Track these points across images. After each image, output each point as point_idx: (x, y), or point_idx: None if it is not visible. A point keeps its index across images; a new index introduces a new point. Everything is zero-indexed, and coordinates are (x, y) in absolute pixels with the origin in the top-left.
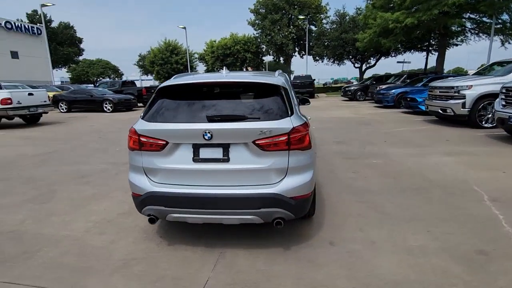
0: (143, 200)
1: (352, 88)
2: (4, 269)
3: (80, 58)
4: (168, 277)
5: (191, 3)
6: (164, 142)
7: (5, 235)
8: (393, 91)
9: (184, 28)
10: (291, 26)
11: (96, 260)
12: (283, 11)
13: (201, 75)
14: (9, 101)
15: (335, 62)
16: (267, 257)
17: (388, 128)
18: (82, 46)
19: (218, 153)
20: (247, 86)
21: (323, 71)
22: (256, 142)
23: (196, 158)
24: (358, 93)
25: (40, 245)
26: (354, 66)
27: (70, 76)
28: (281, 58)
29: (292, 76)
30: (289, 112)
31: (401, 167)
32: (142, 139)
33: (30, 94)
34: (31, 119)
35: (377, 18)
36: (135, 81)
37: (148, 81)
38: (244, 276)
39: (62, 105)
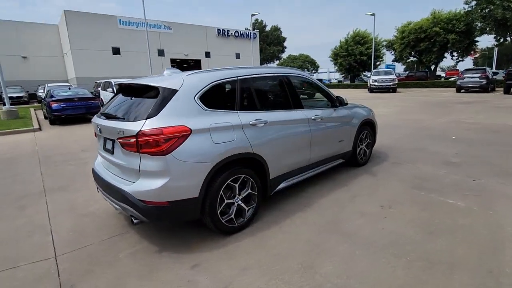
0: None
1: None
2: None
3: (283, 55)
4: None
5: None
6: (94, 132)
7: None
8: None
9: (373, 14)
10: None
11: None
12: None
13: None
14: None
15: None
16: None
17: None
18: (285, 44)
19: (110, 145)
20: (139, 88)
21: None
22: (118, 140)
23: (103, 147)
24: None
25: None
26: None
27: None
28: (508, 38)
29: None
30: (154, 115)
31: None
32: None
33: None
34: None
35: None
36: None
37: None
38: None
39: None
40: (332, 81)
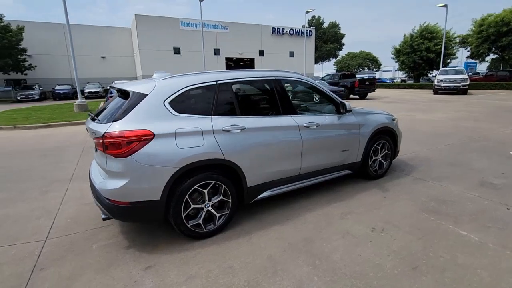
0: None
1: None
2: None
3: (340, 52)
4: None
5: None
6: None
7: None
8: None
9: (445, 6)
10: None
11: None
12: None
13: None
14: None
15: None
16: None
17: None
18: (343, 41)
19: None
20: (120, 91)
21: None
22: (94, 140)
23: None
24: None
25: None
26: None
27: (335, 68)
28: None
29: None
30: (120, 118)
31: None
32: None
33: None
34: None
35: None
36: (355, 73)
37: (387, 72)
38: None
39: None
40: (395, 80)
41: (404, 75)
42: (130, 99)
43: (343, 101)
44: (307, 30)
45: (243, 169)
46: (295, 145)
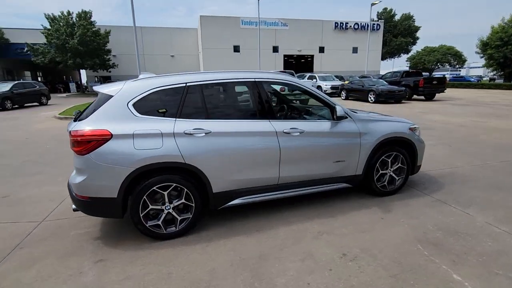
0: None
1: None
2: None
3: (414, 47)
4: None
5: None
6: None
7: None
8: None
9: None
10: None
11: None
12: None
13: None
14: None
15: None
16: None
17: None
18: (417, 34)
19: None
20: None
21: None
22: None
23: None
24: None
25: None
26: None
27: (408, 64)
28: None
29: None
30: (84, 118)
31: None
32: None
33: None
34: None
35: None
36: (421, 71)
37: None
38: None
39: (343, 93)
40: (484, 78)
41: (492, 73)
42: (97, 100)
43: (338, 105)
44: (373, 24)
45: (207, 174)
46: (271, 153)
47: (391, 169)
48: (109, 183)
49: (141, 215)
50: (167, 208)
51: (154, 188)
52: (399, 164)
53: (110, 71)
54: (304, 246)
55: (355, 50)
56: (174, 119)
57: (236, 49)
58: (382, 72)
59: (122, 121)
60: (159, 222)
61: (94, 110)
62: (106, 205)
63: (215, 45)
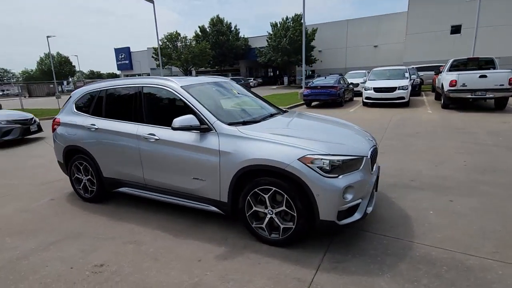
0: None
1: None
2: None
3: None
4: None
5: None
6: None
7: None
8: None
9: None
10: None
11: None
12: None
13: None
14: (454, 82)
15: None
16: None
17: None
18: None
19: None
20: None
21: None
22: None
23: None
24: None
25: None
26: None
27: None
28: None
29: None
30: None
31: None
32: None
33: (482, 76)
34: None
35: None
36: None
37: None
38: None
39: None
40: None
41: None
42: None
43: (205, 112)
44: None
45: (97, 160)
46: (133, 154)
47: (272, 210)
48: (59, 154)
49: (72, 179)
50: (82, 178)
51: (76, 162)
52: (283, 207)
53: (311, 66)
54: (53, 255)
55: None
56: (88, 115)
57: (455, 29)
58: None
59: (68, 114)
60: (80, 187)
61: (65, 105)
62: (62, 168)
63: (423, 29)
